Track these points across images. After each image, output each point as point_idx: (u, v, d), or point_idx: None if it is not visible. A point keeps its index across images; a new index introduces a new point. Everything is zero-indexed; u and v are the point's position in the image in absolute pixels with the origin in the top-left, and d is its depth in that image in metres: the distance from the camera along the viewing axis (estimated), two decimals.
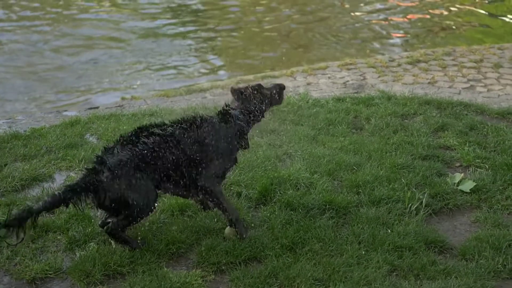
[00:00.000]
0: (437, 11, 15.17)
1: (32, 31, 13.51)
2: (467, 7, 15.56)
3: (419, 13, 15.11)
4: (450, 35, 13.34)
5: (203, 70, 11.56)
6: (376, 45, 13.06)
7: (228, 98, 5.47)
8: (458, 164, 6.66)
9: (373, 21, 14.47)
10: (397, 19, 14.63)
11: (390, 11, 15.28)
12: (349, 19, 14.76)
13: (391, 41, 13.23)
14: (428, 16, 14.88)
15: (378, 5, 15.78)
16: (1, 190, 5.98)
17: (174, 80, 10.88)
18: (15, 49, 12.41)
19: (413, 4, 15.74)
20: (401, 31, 13.93)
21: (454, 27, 13.82)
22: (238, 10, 15.52)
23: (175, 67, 11.58)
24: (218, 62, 12.04)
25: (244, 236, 5.15)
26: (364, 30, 13.83)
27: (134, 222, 4.97)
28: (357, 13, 15.19)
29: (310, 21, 14.44)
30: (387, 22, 14.47)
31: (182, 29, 13.98)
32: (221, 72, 11.52)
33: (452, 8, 15.41)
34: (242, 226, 5.19)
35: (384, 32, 13.83)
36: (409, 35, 13.54)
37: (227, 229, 5.23)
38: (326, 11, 15.23)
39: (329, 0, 16.24)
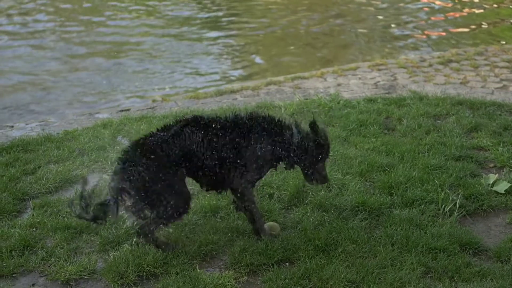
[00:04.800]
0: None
1: (61, 35, 13.68)
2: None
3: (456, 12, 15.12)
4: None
5: (233, 72, 11.58)
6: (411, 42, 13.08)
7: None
8: (492, 165, 6.57)
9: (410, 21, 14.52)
10: (436, 18, 14.65)
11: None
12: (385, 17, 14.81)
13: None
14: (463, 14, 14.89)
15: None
16: (35, 192, 6.05)
17: (204, 82, 10.90)
18: (45, 52, 12.58)
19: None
20: (440, 29, 13.94)
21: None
22: (266, 10, 15.54)
23: (205, 70, 11.61)
24: (249, 64, 12.05)
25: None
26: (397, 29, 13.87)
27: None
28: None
29: (344, 23, 14.44)
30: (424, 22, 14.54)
31: (212, 30, 14.05)
32: (251, 74, 11.51)
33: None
34: (267, 234, 5.17)
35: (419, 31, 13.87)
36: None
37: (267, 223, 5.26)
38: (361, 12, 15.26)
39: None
